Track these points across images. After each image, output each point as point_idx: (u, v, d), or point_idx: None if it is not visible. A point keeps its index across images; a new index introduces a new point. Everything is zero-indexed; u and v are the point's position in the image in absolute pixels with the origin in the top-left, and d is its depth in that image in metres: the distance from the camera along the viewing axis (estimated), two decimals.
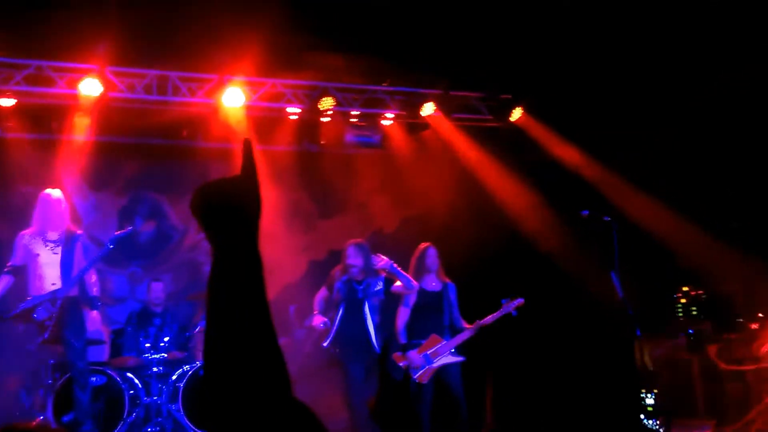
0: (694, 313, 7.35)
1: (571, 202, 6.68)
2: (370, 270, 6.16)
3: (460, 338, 6.19)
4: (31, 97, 6.63)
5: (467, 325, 6.32)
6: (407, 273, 6.23)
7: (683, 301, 7.42)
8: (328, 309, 6.29)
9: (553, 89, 7.30)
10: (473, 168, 7.89)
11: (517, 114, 7.68)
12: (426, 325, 6.23)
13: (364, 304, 6.17)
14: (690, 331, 7.10)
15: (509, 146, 7.89)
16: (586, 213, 5.92)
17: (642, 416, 6.09)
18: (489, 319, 6.22)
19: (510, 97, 7.73)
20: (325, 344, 6.10)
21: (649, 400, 6.12)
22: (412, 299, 6.32)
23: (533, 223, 7.73)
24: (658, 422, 6.00)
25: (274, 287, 7.86)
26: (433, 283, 6.38)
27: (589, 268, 6.69)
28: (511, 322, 6.26)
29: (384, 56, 6.98)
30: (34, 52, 6.36)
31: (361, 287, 6.22)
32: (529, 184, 7.76)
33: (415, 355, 6.12)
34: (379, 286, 6.26)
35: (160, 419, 6.38)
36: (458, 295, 6.42)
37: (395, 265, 6.10)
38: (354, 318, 6.15)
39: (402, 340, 6.30)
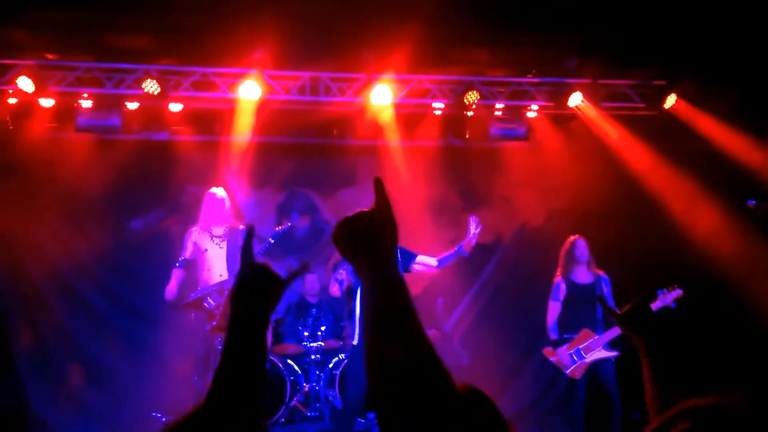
0: None
1: (734, 192, 6.31)
2: None
3: (613, 332, 5.99)
4: (196, 101, 7.12)
5: None
6: (558, 266, 6.15)
7: None
8: None
9: (712, 72, 6.91)
10: (623, 158, 7.63)
11: (671, 101, 7.35)
12: (577, 319, 6.11)
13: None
14: None
15: (662, 134, 7.56)
16: (752, 203, 5.59)
17: None
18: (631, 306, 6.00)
19: (664, 83, 7.40)
20: (356, 343, 5.49)
21: None
22: (562, 293, 6.21)
23: (690, 214, 7.37)
24: None
25: (421, 281, 8.00)
26: (584, 276, 6.25)
27: (755, 259, 6.30)
28: (669, 314, 6.01)
29: (529, 47, 6.91)
30: (199, 59, 6.82)
31: None
32: (685, 174, 7.40)
33: (566, 351, 6.02)
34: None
35: (318, 405, 6.68)
36: (612, 288, 6.26)
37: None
38: None
39: (553, 335, 6.20)
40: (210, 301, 6.20)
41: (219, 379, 1.48)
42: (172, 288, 6.17)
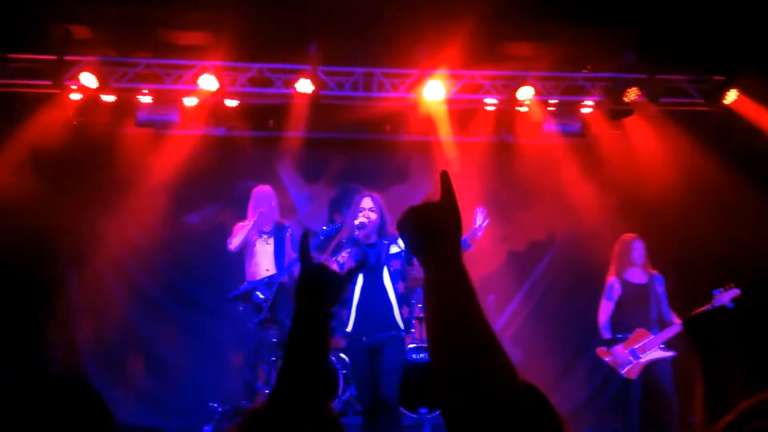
0: None
1: None
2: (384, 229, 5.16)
3: (669, 332, 5.90)
4: (252, 97, 7.25)
5: (677, 320, 6.02)
6: (612, 264, 6.06)
7: None
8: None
9: None
10: (681, 155, 7.46)
11: (732, 96, 7.15)
12: (631, 319, 6.02)
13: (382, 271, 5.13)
14: None
15: (722, 131, 7.36)
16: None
17: None
18: (702, 311, 5.88)
19: (723, 78, 7.20)
20: (349, 330, 5.13)
21: None
22: (617, 292, 6.12)
23: (750, 213, 7.16)
24: None
25: (473, 277, 7.96)
26: (638, 275, 6.15)
27: None
28: (726, 314, 5.87)
29: (585, 42, 6.82)
30: (255, 55, 6.93)
31: (375, 250, 5.17)
32: (746, 172, 7.18)
33: (621, 350, 5.93)
34: (396, 248, 5.15)
35: None
36: (666, 287, 6.14)
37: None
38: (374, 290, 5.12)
39: (606, 334, 6.12)
40: (258, 294, 6.34)
41: (284, 375, 1.51)
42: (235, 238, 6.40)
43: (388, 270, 5.11)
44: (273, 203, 6.54)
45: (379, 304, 5.06)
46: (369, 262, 5.10)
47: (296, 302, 1.58)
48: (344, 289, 1.64)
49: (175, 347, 7.50)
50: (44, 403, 1.44)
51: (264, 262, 6.44)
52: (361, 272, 5.13)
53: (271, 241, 6.48)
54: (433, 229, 1.31)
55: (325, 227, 6.08)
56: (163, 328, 7.60)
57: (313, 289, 1.58)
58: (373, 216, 5.11)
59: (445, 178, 1.39)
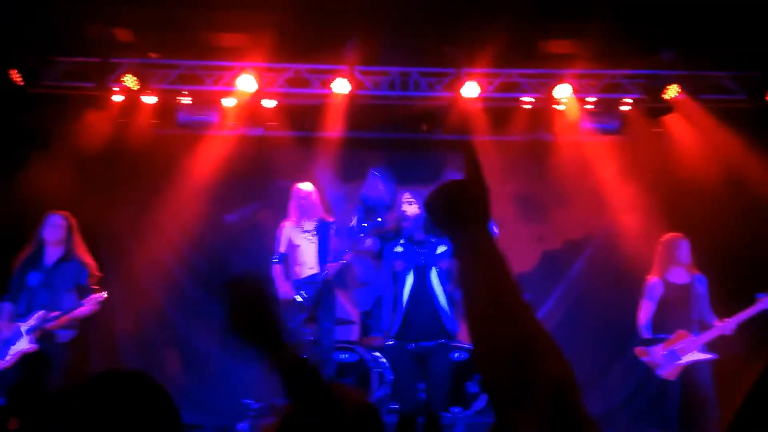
0: None
1: None
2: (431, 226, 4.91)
3: (710, 334, 5.80)
4: (290, 97, 7.33)
5: (718, 322, 5.93)
6: (654, 264, 6.00)
7: None
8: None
9: None
10: (723, 153, 7.33)
11: None
12: (672, 319, 5.94)
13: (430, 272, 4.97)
14: None
15: (764, 128, 7.21)
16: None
17: None
18: (744, 314, 5.78)
19: (764, 74, 7.05)
20: (393, 334, 4.99)
21: None
22: (658, 292, 6.06)
23: None
24: None
25: None
26: (680, 276, 6.06)
27: None
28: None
29: (624, 39, 6.73)
30: (293, 56, 7.00)
31: (424, 250, 5.01)
32: None
33: (660, 351, 5.87)
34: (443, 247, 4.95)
35: None
36: (709, 289, 6.05)
37: None
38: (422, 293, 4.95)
39: (645, 334, 6.07)
40: (303, 293, 6.36)
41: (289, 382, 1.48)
42: (281, 285, 6.33)
43: (437, 271, 4.94)
44: (314, 199, 6.50)
45: (428, 308, 4.89)
46: (417, 263, 4.94)
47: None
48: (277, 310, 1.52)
49: (212, 344, 7.60)
50: (111, 400, 1.42)
51: (309, 261, 6.42)
52: (411, 272, 4.93)
53: (315, 239, 6.44)
54: (461, 205, 1.28)
55: (365, 224, 6.11)
56: (199, 326, 7.72)
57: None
58: (414, 209, 4.96)
59: (469, 150, 1.35)
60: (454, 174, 1.36)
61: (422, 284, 4.92)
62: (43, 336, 5.33)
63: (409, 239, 5.02)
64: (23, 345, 5.29)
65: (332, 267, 6.33)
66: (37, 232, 5.51)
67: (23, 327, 5.32)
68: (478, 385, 6.79)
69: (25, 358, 5.29)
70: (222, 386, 7.33)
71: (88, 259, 5.65)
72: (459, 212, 1.27)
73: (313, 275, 6.36)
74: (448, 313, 4.94)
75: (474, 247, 1.24)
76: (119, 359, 7.45)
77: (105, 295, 5.52)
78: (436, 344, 4.97)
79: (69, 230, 5.57)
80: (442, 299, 4.93)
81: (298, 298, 6.29)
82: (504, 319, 1.16)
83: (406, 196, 5.07)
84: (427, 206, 1.33)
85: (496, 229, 5.17)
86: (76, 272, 5.53)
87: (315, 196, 6.54)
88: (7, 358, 5.30)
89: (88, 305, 5.42)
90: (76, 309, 5.40)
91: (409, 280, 4.94)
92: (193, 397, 7.29)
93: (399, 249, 5.02)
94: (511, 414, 1.11)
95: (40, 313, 5.32)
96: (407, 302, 4.92)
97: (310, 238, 6.46)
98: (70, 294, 5.46)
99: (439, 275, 4.95)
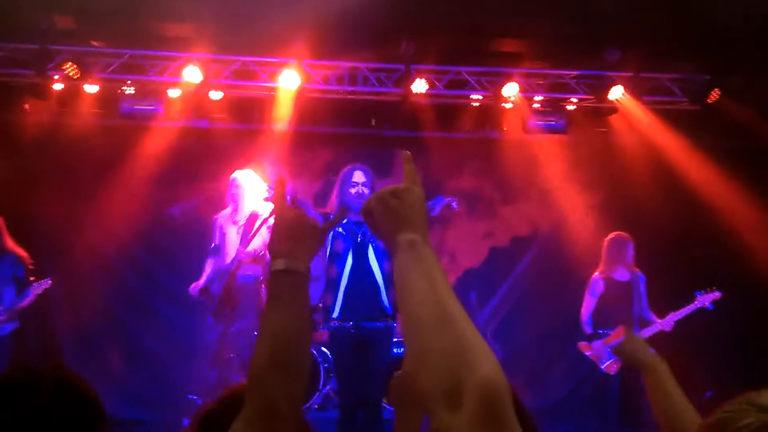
0: None
1: None
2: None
3: (649, 331, 5.99)
4: (236, 90, 7.23)
5: (657, 319, 6.09)
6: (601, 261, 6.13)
7: None
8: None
9: (760, 66, 6.73)
10: (665, 154, 7.51)
11: (715, 95, 7.18)
12: (613, 315, 6.07)
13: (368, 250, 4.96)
14: None
15: (707, 131, 7.41)
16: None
17: None
18: (682, 312, 5.96)
19: (708, 77, 7.24)
20: (335, 315, 4.98)
21: None
22: (599, 289, 6.18)
23: (733, 214, 7.22)
24: None
25: (455, 273, 7.99)
26: (622, 273, 6.20)
27: None
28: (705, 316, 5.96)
29: (570, 39, 6.82)
30: (239, 48, 6.89)
31: (362, 228, 4.94)
32: (730, 172, 7.24)
33: (602, 345, 5.99)
34: None
35: None
36: (648, 287, 6.21)
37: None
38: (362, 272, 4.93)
39: (587, 329, 6.20)
40: (214, 287, 6.07)
41: (260, 347, 1.39)
42: (200, 281, 6.14)
43: (374, 248, 4.93)
44: (247, 191, 6.19)
45: (368, 285, 4.89)
46: (356, 241, 4.94)
47: (271, 256, 1.44)
48: (323, 237, 1.51)
49: (156, 339, 7.47)
50: (32, 399, 1.41)
51: (231, 252, 6.10)
52: (350, 252, 4.92)
53: (242, 229, 6.10)
54: (398, 213, 1.30)
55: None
56: (143, 320, 7.58)
57: (289, 236, 1.44)
58: (366, 191, 4.92)
59: (407, 159, 1.37)
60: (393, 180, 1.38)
61: (361, 262, 4.93)
62: None
63: (352, 218, 4.97)
64: None
65: (245, 254, 5.94)
66: None
67: None
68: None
69: None
70: (167, 381, 7.18)
71: (21, 252, 5.63)
72: (396, 218, 1.29)
73: (227, 265, 6.01)
74: (386, 290, 4.93)
75: (411, 253, 1.25)
76: (60, 353, 7.25)
77: (49, 281, 5.53)
78: (377, 328, 4.95)
79: None
80: (379, 277, 4.93)
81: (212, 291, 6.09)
82: (440, 323, 1.16)
83: (359, 176, 5.01)
84: (365, 213, 1.36)
85: (455, 205, 5.22)
86: (12, 266, 5.56)
87: (248, 187, 6.21)
88: None
89: (32, 294, 5.51)
90: (19, 302, 5.51)
91: (349, 259, 4.94)
92: (136, 392, 7.14)
93: (339, 229, 5.00)
94: (444, 417, 1.10)
95: None
96: (348, 281, 4.93)
97: (239, 230, 6.13)
98: (9, 288, 5.51)
99: (376, 253, 4.94)
